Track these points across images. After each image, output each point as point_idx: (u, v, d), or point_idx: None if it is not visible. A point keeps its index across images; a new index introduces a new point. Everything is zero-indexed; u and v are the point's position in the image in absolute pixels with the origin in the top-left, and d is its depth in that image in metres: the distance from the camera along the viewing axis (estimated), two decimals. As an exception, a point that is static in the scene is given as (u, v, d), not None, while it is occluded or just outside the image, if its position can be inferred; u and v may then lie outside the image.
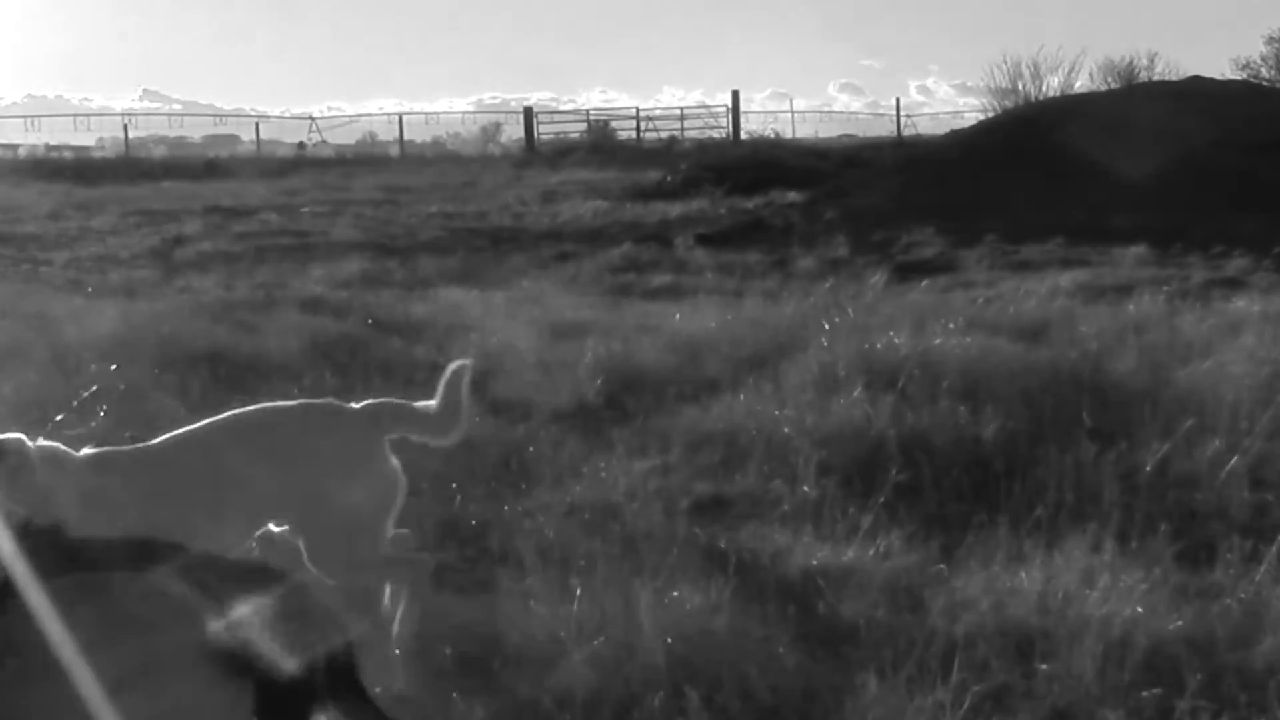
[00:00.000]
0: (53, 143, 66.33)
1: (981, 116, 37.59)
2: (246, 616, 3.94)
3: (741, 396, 9.42)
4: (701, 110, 64.67)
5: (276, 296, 14.89)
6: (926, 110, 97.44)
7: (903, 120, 65.77)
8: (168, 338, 11.92)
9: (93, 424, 8.71)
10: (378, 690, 4.45)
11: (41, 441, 5.14)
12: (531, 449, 8.50)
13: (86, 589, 4.08)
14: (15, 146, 63.78)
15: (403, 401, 5.87)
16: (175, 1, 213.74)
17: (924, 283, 15.71)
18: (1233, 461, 7.40)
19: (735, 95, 56.63)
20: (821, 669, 5.22)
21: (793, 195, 27.48)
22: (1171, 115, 26.46)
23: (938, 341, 10.32)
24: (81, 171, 41.84)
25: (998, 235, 19.84)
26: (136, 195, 31.79)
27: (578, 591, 5.71)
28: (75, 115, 76.99)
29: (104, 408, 9.14)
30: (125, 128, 64.96)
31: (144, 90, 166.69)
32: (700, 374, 10.52)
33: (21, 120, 73.95)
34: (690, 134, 58.51)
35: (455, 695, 5.04)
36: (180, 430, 5.48)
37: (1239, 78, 44.79)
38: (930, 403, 8.61)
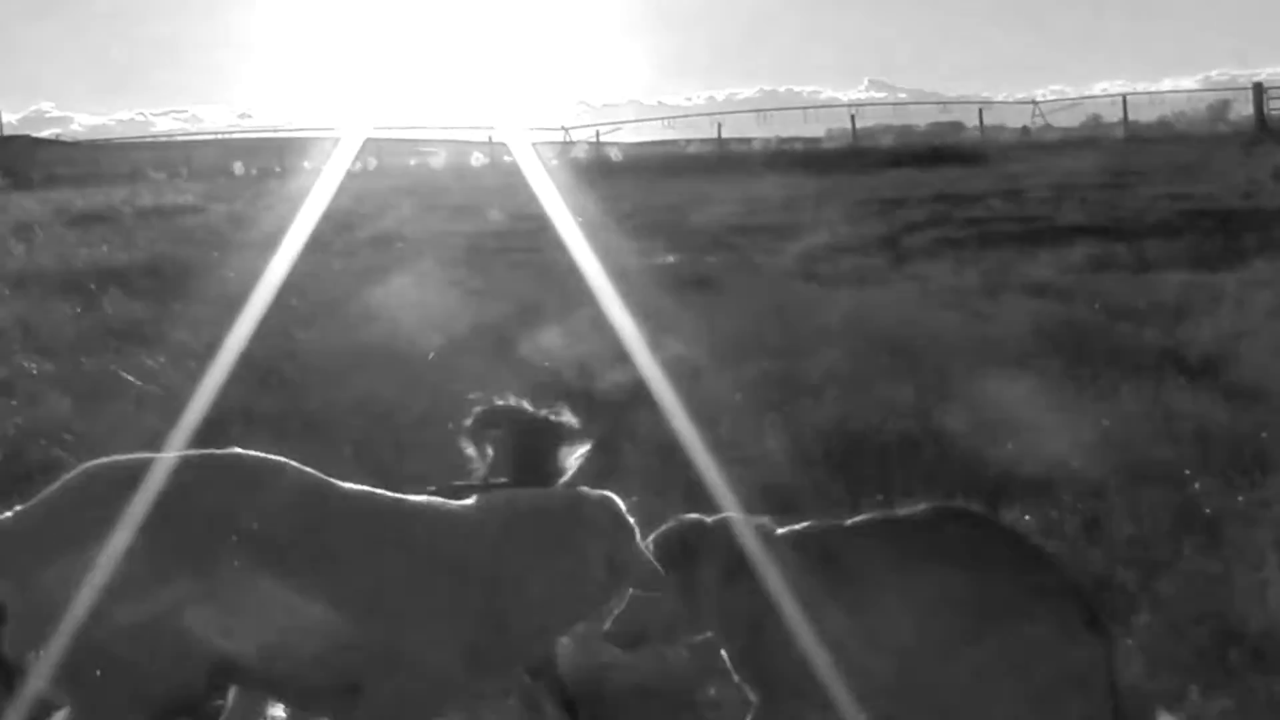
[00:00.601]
0: (784, 135, 68.56)
1: None
2: None
3: None
4: None
5: (1003, 282, 14.95)
6: None
7: None
8: (897, 325, 12.23)
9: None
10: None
11: None
12: (1265, 435, 8.25)
13: None
14: (749, 140, 66.32)
15: None
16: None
17: None
18: None
19: None
20: None
21: None
22: None
23: None
24: (810, 162, 43.07)
25: None
26: (864, 185, 32.47)
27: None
28: (804, 108, 79.29)
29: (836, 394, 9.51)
30: (852, 118, 66.51)
31: (870, 81, 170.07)
32: None
33: (754, 115, 76.85)
34: None
35: (1192, 688, 4.98)
36: None
37: None
38: None
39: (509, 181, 30.41)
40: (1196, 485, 7.33)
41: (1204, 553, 6.37)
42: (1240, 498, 7.13)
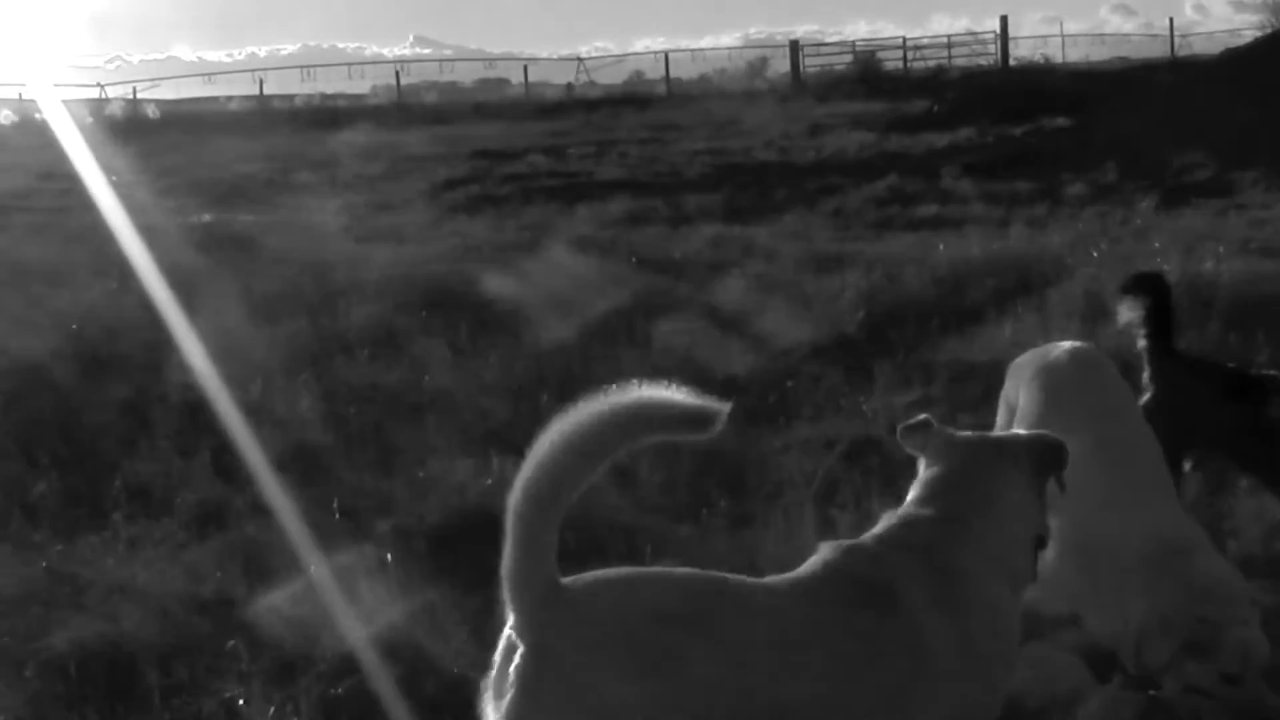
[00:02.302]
0: (328, 92, 68.08)
1: (1260, 34, 35.88)
2: None
3: (1006, 328, 9.29)
4: (969, 38, 63.63)
5: (543, 238, 15.03)
6: (1201, 29, 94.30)
7: (1177, 41, 63.48)
8: (436, 281, 12.16)
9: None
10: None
11: None
12: (791, 384, 8.49)
13: None
14: (292, 96, 65.55)
15: None
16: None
17: (1195, 206, 15.21)
18: None
19: (1004, 21, 55.29)
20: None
21: (1061, 121, 26.92)
22: None
23: (1207, 266, 10.08)
24: (354, 119, 42.71)
25: (1275, 156, 18.98)
26: (407, 141, 32.39)
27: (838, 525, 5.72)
28: (349, 64, 78.89)
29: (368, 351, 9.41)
30: (397, 75, 66.38)
31: (415, 37, 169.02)
32: (964, 305, 10.38)
33: (298, 70, 76.13)
34: (958, 62, 57.62)
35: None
36: None
37: None
38: (1198, 328, 8.42)
39: (39, 140, 29.27)
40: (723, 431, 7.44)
41: (731, 496, 6.52)
42: (766, 442, 7.31)
